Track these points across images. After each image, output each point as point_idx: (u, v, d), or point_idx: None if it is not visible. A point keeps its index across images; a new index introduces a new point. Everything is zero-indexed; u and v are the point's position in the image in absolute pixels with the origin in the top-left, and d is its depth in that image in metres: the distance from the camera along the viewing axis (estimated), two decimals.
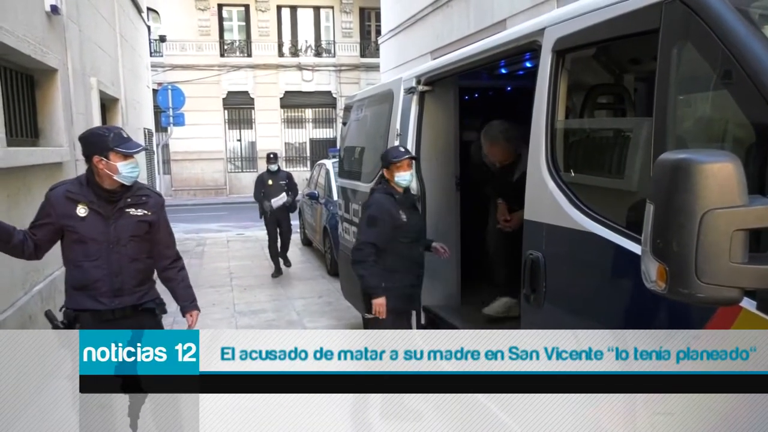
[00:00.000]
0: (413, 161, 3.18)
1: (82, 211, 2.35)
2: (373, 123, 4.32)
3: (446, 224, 3.78)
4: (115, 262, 2.39)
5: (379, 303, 3.02)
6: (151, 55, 11.82)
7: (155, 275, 2.64)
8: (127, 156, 2.41)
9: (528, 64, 3.41)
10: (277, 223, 7.45)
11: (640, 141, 1.88)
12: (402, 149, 3.20)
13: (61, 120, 4.73)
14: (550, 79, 2.18)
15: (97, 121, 6.12)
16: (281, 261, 7.61)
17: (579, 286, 2.04)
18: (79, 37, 5.64)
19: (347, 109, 5.23)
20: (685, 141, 1.66)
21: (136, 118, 9.00)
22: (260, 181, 7.56)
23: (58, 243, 2.42)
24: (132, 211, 2.47)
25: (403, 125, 3.60)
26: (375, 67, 17.27)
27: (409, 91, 3.60)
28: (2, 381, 1.62)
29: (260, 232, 9.35)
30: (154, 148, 10.85)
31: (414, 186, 3.30)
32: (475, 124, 4.18)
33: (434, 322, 3.69)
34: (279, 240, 7.57)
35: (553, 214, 2.10)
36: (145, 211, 2.52)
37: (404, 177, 3.11)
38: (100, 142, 2.39)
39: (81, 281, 2.38)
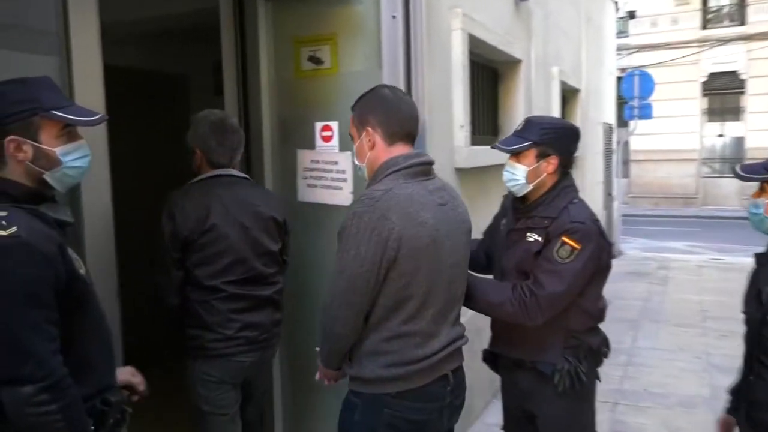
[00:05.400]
0: None
1: None
2: None
3: None
4: None
5: None
6: (616, 36, 11.88)
7: None
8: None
9: None
10: None
11: None
12: None
13: (521, 115, 5.01)
14: None
15: (556, 115, 6.34)
16: None
17: None
18: (544, 23, 5.98)
19: None
20: None
21: (597, 111, 9.12)
22: None
23: None
24: None
25: None
26: None
27: None
28: None
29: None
30: (614, 146, 10.83)
31: None
32: None
33: None
34: None
35: None
36: None
37: None
38: None
39: None
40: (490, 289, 2.28)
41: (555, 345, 2.29)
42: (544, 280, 2.19)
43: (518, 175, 2.31)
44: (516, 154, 2.33)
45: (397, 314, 1.87)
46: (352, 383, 1.95)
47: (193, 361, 2.59)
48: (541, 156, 2.29)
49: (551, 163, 2.30)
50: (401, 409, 1.89)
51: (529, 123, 2.36)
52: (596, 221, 2.30)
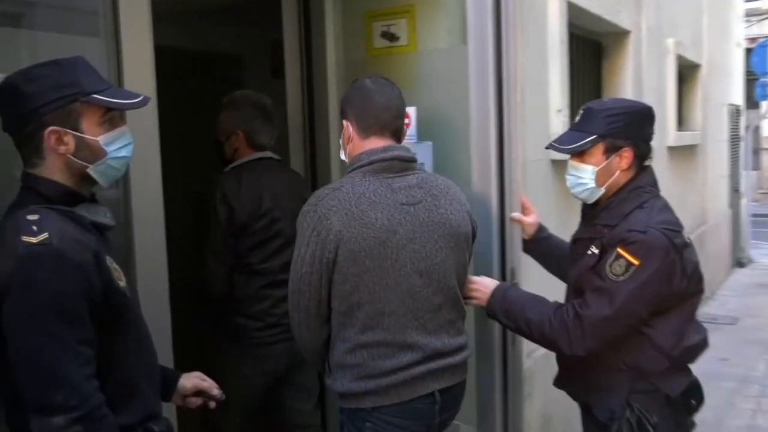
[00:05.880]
0: None
1: None
2: None
3: None
4: None
5: None
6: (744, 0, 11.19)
7: None
8: None
9: None
10: None
11: None
12: None
13: (629, 96, 4.80)
14: None
15: (671, 96, 6.09)
16: None
17: None
18: None
19: None
20: None
21: (722, 91, 8.62)
22: None
23: None
24: None
25: None
26: None
27: None
28: None
29: None
30: (741, 132, 10.21)
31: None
32: None
33: None
34: None
35: None
36: None
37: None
38: None
39: None
40: (529, 304, 2.10)
41: (618, 388, 2.03)
42: (591, 299, 1.98)
43: (585, 179, 2.08)
44: (579, 154, 2.09)
45: (352, 322, 1.90)
46: (339, 399, 2.01)
47: (241, 348, 2.75)
48: (611, 150, 2.05)
49: (625, 157, 2.06)
50: (383, 425, 1.92)
51: (590, 112, 2.11)
52: (670, 231, 1.97)
